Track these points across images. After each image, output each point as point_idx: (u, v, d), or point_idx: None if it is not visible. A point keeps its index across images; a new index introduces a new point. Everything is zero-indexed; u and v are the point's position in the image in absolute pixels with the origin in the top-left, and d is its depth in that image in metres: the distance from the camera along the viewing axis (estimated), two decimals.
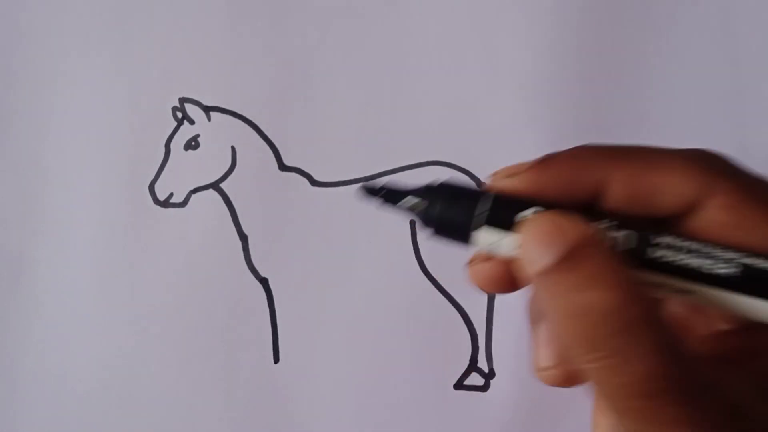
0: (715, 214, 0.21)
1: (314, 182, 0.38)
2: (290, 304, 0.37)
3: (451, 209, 0.21)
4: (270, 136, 0.38)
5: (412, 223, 0.37)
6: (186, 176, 0.38)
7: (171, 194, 0.38)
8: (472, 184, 0.23)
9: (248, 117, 0.39)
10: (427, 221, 0.21)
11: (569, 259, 0.19)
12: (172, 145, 0.39)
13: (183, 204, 0.38)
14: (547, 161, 0.22)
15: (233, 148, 0.38)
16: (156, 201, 0.38)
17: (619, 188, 0.21)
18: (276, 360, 0.36)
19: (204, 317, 0.37)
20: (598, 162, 0.21)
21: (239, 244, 0.37)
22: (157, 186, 0.38)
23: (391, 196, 0.22)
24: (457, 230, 0.21)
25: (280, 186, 0.38)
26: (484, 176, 0.37)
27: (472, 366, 0.37)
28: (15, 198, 0.39)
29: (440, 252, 0.36)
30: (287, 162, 0.38)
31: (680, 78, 0.37)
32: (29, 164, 0.39)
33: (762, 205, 0.21)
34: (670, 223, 0.21)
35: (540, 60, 0.37)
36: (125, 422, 0.36)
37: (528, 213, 0.21)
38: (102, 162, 0.39)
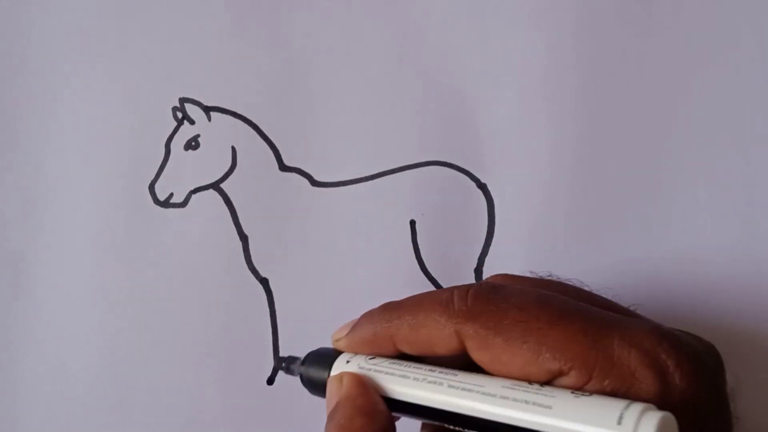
0: (476, 356, 0.24)
1: (314, 182, 0.38)
2: (290, 304, 0.37)
3: (311, 373, 0.29)
4: (270, 136, 0.38)
5: (412, 224, 0.37)
6: (186, 176, 0.38)
7: (171, 194, 0.38)
8: (333, 351, 0.29)
9: (248, 117, 0.39)
10: (303, 383, 0.29)
11: (329, 415, 0.26)
12: (172, 145, 0.39)
13: (183, 204, 0.38)
14: (356, 325, 0.28)
15: (233, 148, 0.38)
16: (156, 201, 0.38)
17: (405, 347, 0.26)
18: (276, 360, 0.36)
19: (204, 317, 0.37)
20: (384, 324, 0.26)
21: (239, 244, 0.37)
22: (157, 186, 0.38)
23: (288, 365, 0.31)
24: (316, 388, 0.29)
25: (280, 186, 0.38)
26: (484, 176, 0.37)
27: None
28: (15, 198, 0.39)
29: (440, 252, 0.36)
30: (287, 162, 0.38)
31: (680, 78, 0.37)
32: (29, 164, 0.39)
33: (501, 338, 0.23)
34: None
35: (540, 60, 0.37)
36: (125, 422, 0.36)
37: (337, 369, 0.27)
38: (102, 162, 0.39)
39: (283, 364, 0.32)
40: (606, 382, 0.22)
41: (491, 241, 0.36)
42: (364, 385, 0.26)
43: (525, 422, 0.22)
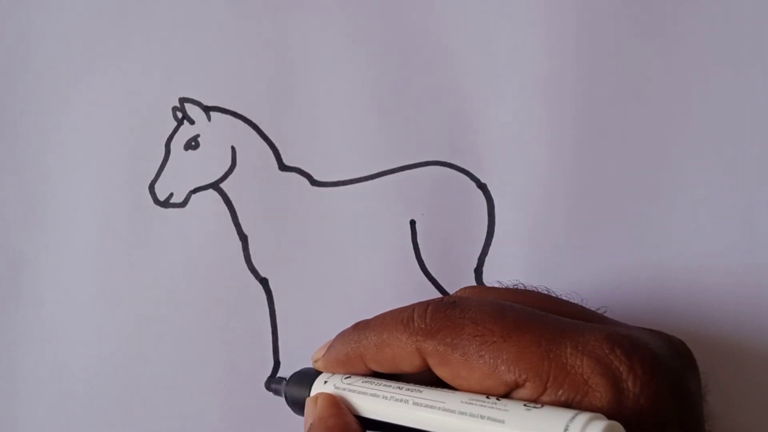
0: (437, 372, 0.24)
1: (314, 182, 0.38)
2: (290, 304, 0.37)
3: (294, 392, 0.30)
4: (270, 136, 0.38)
5: (412, 223, 0.37)
6: (186, 176, 0.38)
7: (171, 194, 0.38)
8: (310, 372, 0.30)
9: (248, 117, 0.39)
10: (288, 403, 0.31)
11: None
12: (172, 145, 0.39)
13: (183, 204, 0.38)
14: (331, 345, 0.29)
15: (233, 148, 0.38)
16: (156, 201, 0.38)
17: (374, 366, 0.27)
18: (276, 364, 0.36)
19: (204, 317, 0.37)
20: (354, 345, 0.27)
21: (239, 244, 0.37)
22: (157, 186, 0.38)
23: (275, 386, 0.33)
24: (299, 407, 0.30)
25: (280, 186, 0.38)
26: (484, 176, 0.37)
27: None
28: (16, 198, 0.39)
29: (440, 252, 0.36)
30: (287, 162, 0.38)
31: (680, 77, 0.37)
32: (30, 164, 0.40)
33: (459, 354, 0.23)
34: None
35: (540, 60, 0.37)
36: (125, 422, 0.36)
37: (316, 389, 0.29)
38: (102, 162, 0.39)
39: (272, 385, 0.34)
40: (560, 392, 0.22)
41: (491, 241, 0.36)
42: (337, 406, 0.26)
43: None
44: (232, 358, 0.36)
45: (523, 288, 0.29)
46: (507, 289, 0.29)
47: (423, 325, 0.24)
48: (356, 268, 0.37)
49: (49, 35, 0.41)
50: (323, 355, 0.29)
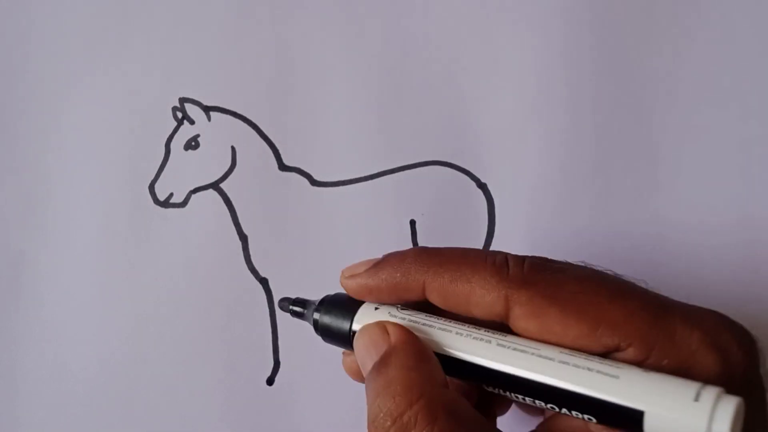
0: (523, 323, 0.23)
1: (314, 182, 0.38)
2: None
3: (330, 320, 0.27)
4: (270, 136, 0.38)
5: (412, 223, 0.37)
6: (186, 176, 0.38)
7: (171, 194, 0.38)
8: (348, 299, 0.27)
9: (248, 117, 0.39)
10: (317, 330, 0.27)
11: (376, 368, 0.23)
12: (172, 145, 0.39)
13: (183, 204, 0.38)
14: (380, 264, 0.26)
15: (233, 148, 0.38)
16: (156, 201, 0.38)
17: (435, 298, 0.24)
18: (276, 364, 0.36)
19: (204, 317, 0.37)
20: (419, 268, 0.25)
21: (239, 244, 0.37)
22: (157, 186, 0.38)
23: (297, 309, 0.29)
24: (334, 337, 0.27)
25: (280, 186, 0.38)
26: (484, 176, 0.37)
27: None
28: (16, 198, 0.39)
29: None
30: (287, 162, 0.38)
31: (680, 77, 0.37)
32: (30, 164, 0.40)
33: (557, 309, 0.22)
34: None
35: (540, 60, 0.37)
36: (125, 422, 0.36)
37: (364, 317, 0.26)
38: (102, 162, 0.39)
39: (291, 306, 0.29)
40: (665, 361, 0.21)
41: (491, 241, 0.36)
42: (413, 334, 0.24)
43: (588, 390, 0.21)
44: (232, 358, 0.36)
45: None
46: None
47: (520, 274, 0.23)
48: None
49: (49, 35, 0.41)
50: (368, 271, 0.26)
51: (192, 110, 0.39)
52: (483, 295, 0.23)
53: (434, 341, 0.24)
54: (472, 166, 0.37)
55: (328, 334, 0.27)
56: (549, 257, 0.25)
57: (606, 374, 0.21)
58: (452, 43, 0.38)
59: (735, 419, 0.19)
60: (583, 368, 0.21)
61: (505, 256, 0.24)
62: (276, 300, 0.37)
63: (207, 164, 0.38)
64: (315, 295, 0.34)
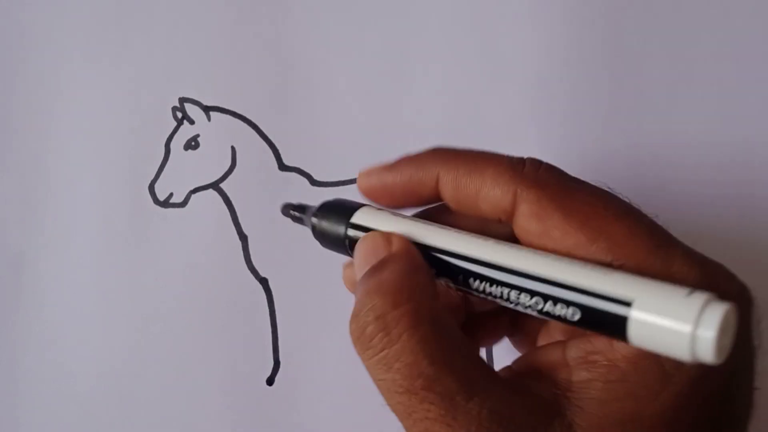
0: (525, 223, 0.23)
1: (314, 182, 0.38)
2: (290, 304, 0.37)
3: (327, 225, 0.27)
4: (270, 136, 0.38)
5: None
6: (186, 176, 0.38)
7: (171, 194, 0.38)
8: (351, 202, 0.27)
9: (248, 117, 0.39)
10: (315, 235, 0.28)
11: (371, 270, 0.23)
12: (172, 145, 0.39)
13: (183, 204, 0.38)
14: (396, 162, 0.26)
15: (233, 148, 0.38)
16: (156, 201, 0.38)
17: (447, 191, 0.24)
18: (276, 364, 0.36)
19: (204, 317, 0.37)
20: (434, 164, 0.24)
21: (239, 244, 0.37)
22: (157, 186, 0.38)
23: (299, 214, 0.29)
24: (331, 242, 0.27)
25: (280, 186, 0.38)
26: None
27: None
28: (16, 198, 0.39)
29: None
30: (287, 162, 0.38)
31: (680, 77, 0.37)
32: (30, 164, 0.40)
33: (561, 213, 0.22)
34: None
35: (540, 59, 0.37)
36: (125, 421, 0.36)
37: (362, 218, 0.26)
38: (102, 162, 0.39)
39: (291, 211, 0.29)
40: None
41: None
42: (415, 250, 0.24)
43: (576, 280, 0.20)
44: (232, 358, 0.36)
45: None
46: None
47: (533, 174, 0.23)
48: None
49: (49, 35, 0.41)
50: (385, 166, 0.26)
51: (192, 110, 0.39)
52: (493, 187, 0.23)
53: (431, 242, 0.24)
54: None
55: (325, 238, 0.27)
56: None
57: (597, 270, 0.20)
58: (452, 42, 0.38)
59: (724, 320, 0.18)
60: (576, 264, 0.21)
61: (522, 157, 0.24)
62: (276, 300, 0.37)
63: (207, 164, 0.38)
64: (315, 295, 0.34)
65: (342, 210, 0.27)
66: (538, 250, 0.22)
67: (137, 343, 0.37)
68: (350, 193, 0.38)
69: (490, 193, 0.23)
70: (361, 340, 0.22)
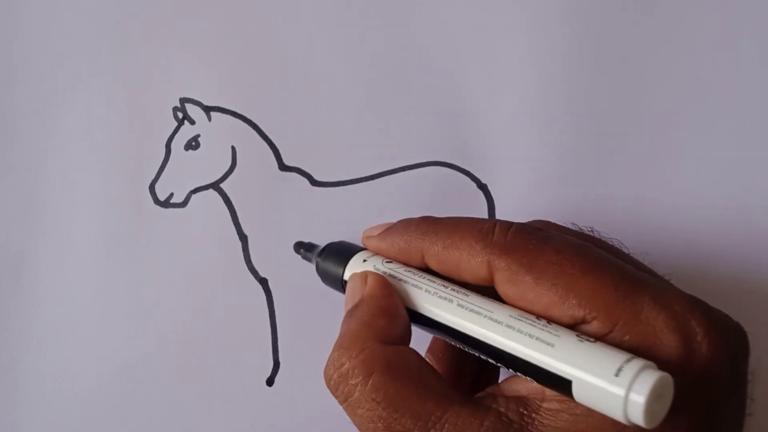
0: (502, 288, 0.24)
1: (314, 182, 0.38)
2: (290, 304, 0.37)
3: (327, 266, 0.31)
4: (270, 136, 0.38)
5: None
6: (186, 176, 0.38)
7: (171, 194, 0.38)
8: (351, 246, 0.30)
9: (248, 117, 0.39)
10: (318, 274, 0.31)
11: (346, 316, 0.26)
12: (173, 145, 0.39)
13: (183, 204, 0.38)
14: (390, 229, 0.28)
15: (233, 148, 0.38)
16: (156, 201, 0.38)
17: (433, 265, 0.26)
18: (276, 364, 0.36)
19: (204, 317, 0.37)
20: (419, 236, 0.27)
21: (239, 244, 0.37)
22: (157, 186, 0.38)
23: (307, 252, 0.34)
24: (330, 281, 0.31)
25: (280, 186, 0.38)
26: (484, 176, 0.37)
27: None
28: (16, 198, 0.39)
29: None
30: (287, 162, 0.38)
31: (681, 79, 0.37)
32: (30, 164, 0.39)
33: (532, 277, 0.23)
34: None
35: (540, 60, 0.37)
36: (125, 422, 0.36)
37: (354, 265, 0.29)
38: (102, 162, 0.39)
39: (302, 249, 0.34)
40: (626, 337, 0.22)
41: None
42: (388, 287, 0.26)
43: (525, 355, 0.22)
44: (232, 358, 0.36)
45: (598, 235, 0.29)
46: (583, 233, 0.29)
47: (502, 240, 0.24)
48: None
49: (49, 35, 0.41)
50: (379, 235, 0.29)
51: (192, 110, 0.39)
52: (469, 260, 0.25)
53: (403, 295, 0.26)
54: (473, 166, 0.37)
55: (325, 276, 0.30)
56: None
57: (543, 342, 0.22)
58: (453, 42, 0.38)
59: (652, 393, 0.19)
60: (525, 334, 0.22)
61: (494, 223, 0.25)
62: (276, 300, 0.37)
63: (207, 164, 0.38)
64: (314, 295, 0.34)
65: (342, 253, 0.30)
66: (495, 312, 0.24)
67: (137, 343, 0.37)
68: (350, 193, 0.38)
69: (467, 266, 0.25)
70: (330, 388, 0.25)
